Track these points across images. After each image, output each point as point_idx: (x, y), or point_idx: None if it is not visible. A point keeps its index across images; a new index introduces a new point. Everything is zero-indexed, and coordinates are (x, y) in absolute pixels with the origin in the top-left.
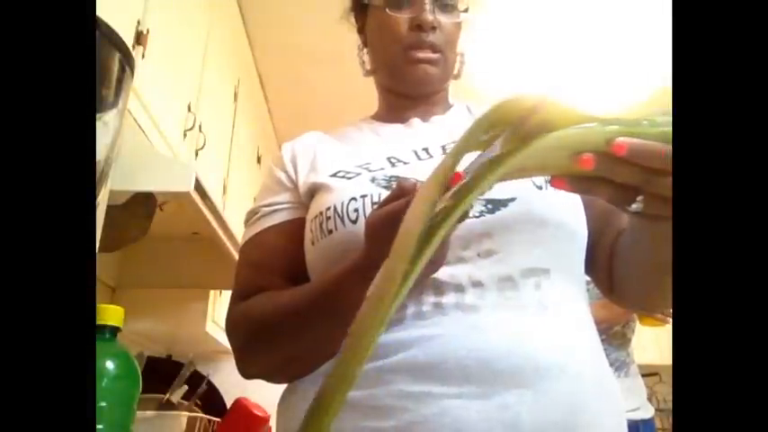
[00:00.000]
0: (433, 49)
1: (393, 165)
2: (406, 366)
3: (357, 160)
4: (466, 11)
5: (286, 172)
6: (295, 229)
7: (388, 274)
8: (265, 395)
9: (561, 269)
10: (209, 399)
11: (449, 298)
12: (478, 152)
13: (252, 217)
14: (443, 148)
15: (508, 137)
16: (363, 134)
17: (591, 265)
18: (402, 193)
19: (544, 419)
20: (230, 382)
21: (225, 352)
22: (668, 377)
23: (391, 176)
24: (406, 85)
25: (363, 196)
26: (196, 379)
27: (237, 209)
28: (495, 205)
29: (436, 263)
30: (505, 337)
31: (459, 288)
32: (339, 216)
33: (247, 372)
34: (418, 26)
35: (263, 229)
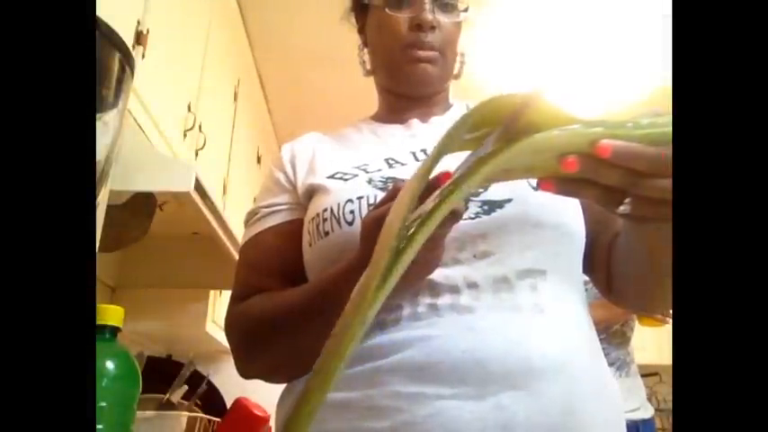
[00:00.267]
0: (433, 48)
1: (390, 166)
2: (402, 367)
3: (355, 161)
4: (466, 10)
5: (285, 173)
6: (293, 230)
7: (369, 274)
8: (265, 395)
9: (558, 270)
10: (209, 399)
11: (444, 299)
12: (467, 152)
13: (251, 218)
14: None
15: (498, 137)
16: (362, 135)
17: (589, 266)
18: (396, 193)
19: (539, 421)
20: (230, 382)
21: (225, 352)
22: (668, 377)
23: (388, 178)
24: (405, 84)
25: (360, 198)
26: (196, 379)
27: (237, 209)
28: (491, 206)
29: (431, 264)
30: (501, 338)
31: (454, 289)
32: (335, 218)
33: (246, 371)
34: (418, 26)
35: (261, 230)
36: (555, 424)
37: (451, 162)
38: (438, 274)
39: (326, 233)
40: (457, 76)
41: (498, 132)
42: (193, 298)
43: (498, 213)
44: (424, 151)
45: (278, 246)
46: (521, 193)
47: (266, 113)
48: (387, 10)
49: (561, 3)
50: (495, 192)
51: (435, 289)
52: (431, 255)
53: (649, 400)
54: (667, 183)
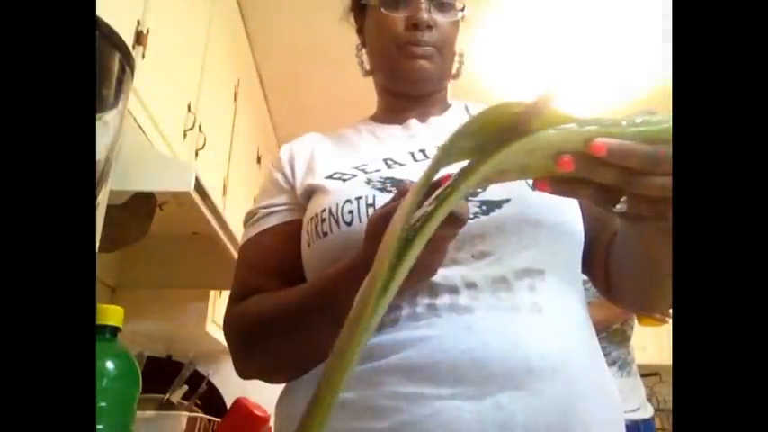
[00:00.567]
0: (429, 46)
1: (389, 166)
2: (400, 367)
3: (353, 162)
4: (463, 10)
5: (283, 174)
6: (292, 231)
7: (372, 277)
8: (265, 395)
9: (556, 270)
10: (209, 399)
11: (443, 299)
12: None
13: (250, 218)
14: None
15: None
16: (361, 136)
17: (588, 265)
18: (401, 196)
19: (538, 420)
20: (230, 382)
21: (225, 352)
22: (668, 377)
23: (387, 178)
24: (403, 82)
25: (358, 198)
26: (196, 379)
27: (237, 209)
28: (490, 206)
29: (433, 267)
30: (499, 338)
31: (453, 289)
32: (334, 218)
33: (244, 371)
34: (414, 25)
35: (260, 230)
36: (554, 424)
37: (428, 171)
38: (437, 275)
39: (325, 233)
40: (456, 76)
41: (494, 137)
42: (193, 298)
43: (497, 213)
44: (422, 152)
45: (277, 246)
46: (519, 193)
47: (266, 113)
48: (383, 10)
49: (561, 3)
50: (494, 192)
51: (434, 289)
52: (432, 257)
53: (649, 400)
54: (663, 180)
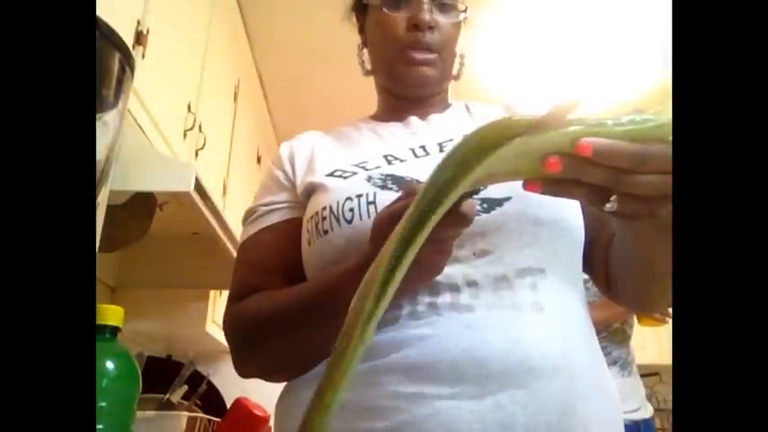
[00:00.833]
0: (431, 49)
1: (390, 163)
2: (400, 366)
3: (354, 159)
4: (465, 11)
5: (284, 171)
6: (292, 229)
7: (371, 278)
8: (265, 395)
9: (557, 268)
10: (209, 399)
11: (444, 298)
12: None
13: (249, 216)
14: (440, 145)
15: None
16: (361, 133)
17: (589, 264)
18: (407, 195)
19: (538, 420)
20: (230, 383)
21: (225, 352)
22: (668, 377)
23: (387, 175)
24: (403, 86)
25: (359, 196)
26: (196, 379)
27: (237, 209)
28: (491, 204)
29: (438, 266)
30: (500, 337)
31: (453, 288)
32: (335, 216)
33: (244, 370)
34: (415, 26)
35: (260, 228)
36: (555, 423)
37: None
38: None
39: (326, 231)
40: (456, 77)
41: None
42: (193, 298)
43: (498, 211)
44: (423, 147)
45: (276, 244)
46: (520, 191)
47: (266, 113)
48: (384, 10)
49: (561, 3)
50: (495, 190)
51: (435, 288)
52: (438, 256)
53: (649, 400)
54: (650, 179)
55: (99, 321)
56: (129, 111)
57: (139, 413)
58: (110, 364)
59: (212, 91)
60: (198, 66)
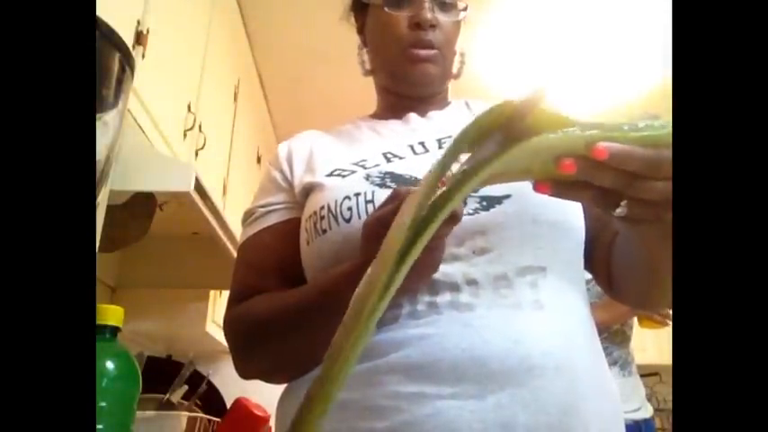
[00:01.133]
0: (433, 47)
1: (389, 160)
2: (401, 366)
3: (352, 158)
4: (465, 9)
5: (282, 171)
6: (290, 229)
7: (371, 279)
8: (265, 395)
9: (558, 266)
10: (209, 399)
11: (444, 297)
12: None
13: (248, 218)
14: (439, 141)
15: (496, 140)
16: (361, 131)
17: (591, 263)
18: (396, 198)
19: (540, 419)
20: (230, 383)
21: (225, 352)
22: (668, 377)
23: (386, 173)
24: (405, 84)
25: (357, 194)
26: (196, 379)
27: (237, 209)
28: (490, 202)
29: (432, 265)
30: (500, 336)
31: (453, 287)
32: (333, 215)
33: (245, 371)
34: (417, 24)
35: (258, 230)
36: (556, 422)
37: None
38: (437, 272)
39: (324, 231)
40: (457, 76)
41: (496, 136)
42: (193, 298)
43: (497, 209)
44: (422, 144)
45: (275, 245)
46: (519, 189)
47: (266, 113)
48: (386, 9)
49: (562, 2)
50: (494, 187)
51: (435, 286)
52: (431, 255)
53: (649, 400)
54: (663, 185)
55: (99, 321)
56: (129, 111)
57: (139, 413)
58: (110, 364)
59: (212, 91)
60: (198, 66)
